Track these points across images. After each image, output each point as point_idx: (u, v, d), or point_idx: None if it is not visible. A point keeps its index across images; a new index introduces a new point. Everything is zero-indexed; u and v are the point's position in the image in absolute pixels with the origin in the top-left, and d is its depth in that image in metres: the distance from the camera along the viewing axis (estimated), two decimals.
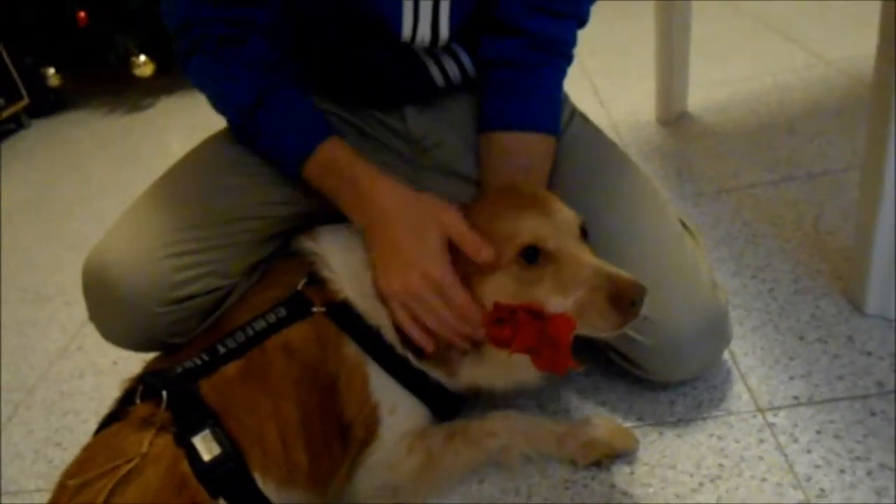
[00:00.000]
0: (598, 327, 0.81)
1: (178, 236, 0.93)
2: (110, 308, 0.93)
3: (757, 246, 1.30)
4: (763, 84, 1.98)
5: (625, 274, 0.80)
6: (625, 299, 0.78)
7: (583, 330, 0.81)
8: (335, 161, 0.92)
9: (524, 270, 0.83)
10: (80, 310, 1.63)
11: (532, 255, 0.82)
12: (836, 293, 1.14)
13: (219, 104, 0.97)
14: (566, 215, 0.87)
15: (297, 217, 1.01)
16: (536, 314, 0.80)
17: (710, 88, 2.01)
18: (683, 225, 1.01)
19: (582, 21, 1.00)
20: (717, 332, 0.97)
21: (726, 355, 1.06)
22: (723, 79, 2.08)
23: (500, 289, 0.84)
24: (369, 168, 0.92)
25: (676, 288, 0.94)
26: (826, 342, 1.06)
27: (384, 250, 0.88)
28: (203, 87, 0.97)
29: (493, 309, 0.81)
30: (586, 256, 0.84)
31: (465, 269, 0.86)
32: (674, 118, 1.89)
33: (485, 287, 0.85)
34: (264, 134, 0.95)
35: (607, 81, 2.18)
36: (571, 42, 0.99)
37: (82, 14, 3.09)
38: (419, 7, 0.91)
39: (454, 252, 0.86)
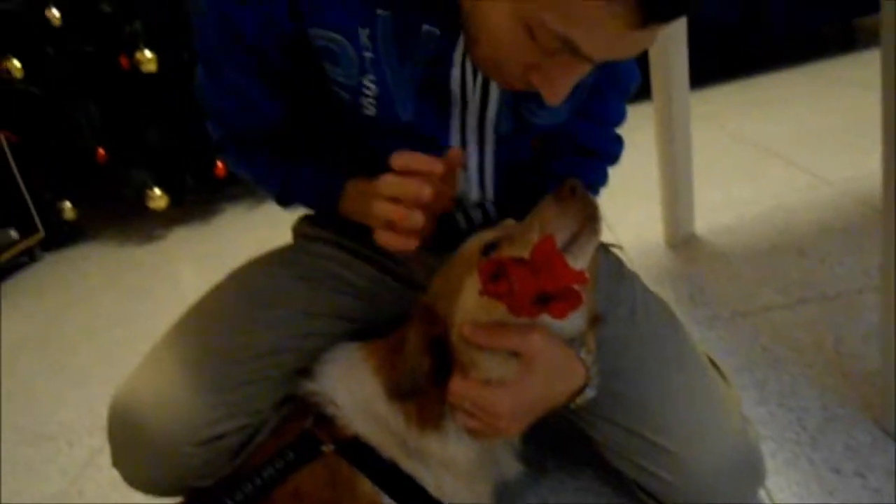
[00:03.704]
0: (567, 226, 0.80)
1: (211, 373, 0.92)
2: (139, 451, 0.90)
3: (779, 372, 1.26)
4: (768, 207, 2.00)
5: None
6: (563, 192, 0.81)
7: (561, 237, 0.79)
8: (359, 193, 0.96)
9: None
10: (82, 451, 1.59)
11: (492, 248, 0.83)
12: (868, 421, 1.10)
13: (256, 185, 1.07)
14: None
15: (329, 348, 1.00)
16: (520, 260, 0.74)
17: (716, 212, 2.03)
18: (709, 360, 0.98)
19: (614, 160, 1.07)
20: (748, 471, 0.92)
21: (761, 492, 1.00)
22: (728, 202, 2.11)
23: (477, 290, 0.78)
24: None
25: (702, 423, 0.90)
26: (864, 476, 1.00)
27: None
28: (238, 170, 1.07)
29: (482, 269, 0.74)
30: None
31: (446, 288, 0.85)
32: (682, 241, 1.90)
33: (465, 298, 0.82)
34: (300, 199, 1.05)
35: (613, 203, 2.21)
36: (602, 182, 1.08)
37: (101, 151, 3.21)
38: (468, 173, 0.96)
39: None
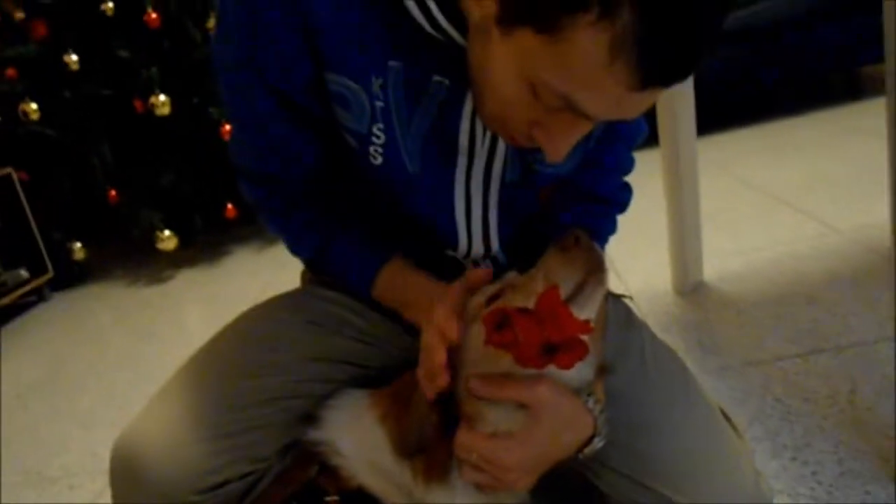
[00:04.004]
0: (571, 276, 0.78)
1: (214, 419, 0.90)
2: (140, 496, 0.88)
3: (793, 424, 1.24)
4: (777, 254, 2.00)
5: None
6: (567, 242, 0.80)
7: (566, 287, 0.77)
8: (394, 281, 0.97)
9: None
10: (83, 494, 1.57)
11: (496, 300, 0.81)
12: (884, 477, 1.07)
13: (291, 250, 1.06)
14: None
15: (335, 393, 0.99)
16: (524, 310, 0.73)
17: (725, 259, 2.03)
18: (720, 411, 0.97)
19: (622, 208, 1.06)
20: None
21: None
22: (737, 249, 2.10)
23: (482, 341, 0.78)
24: (423, 277, 0.96)
25: (714, 476, 0.88)
26: None
27: None
28: (275, 233, 1.06)
29: (487, 318, 0.74)
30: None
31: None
32: (690, 288, 1.89)
33: (470, 349, 0.81)
34: (333, 272, 1.03)
35: (621, 251, 2.21)
36: (611, 230, 1.07)
37: (113, 192, 3.24)
38: (471, 225, 0.95)
39: None
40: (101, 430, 1.89)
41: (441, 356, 0.78)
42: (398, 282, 0.97)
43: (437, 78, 0.84)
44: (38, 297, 3.40)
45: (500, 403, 0.80)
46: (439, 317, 0.80)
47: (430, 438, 0.83)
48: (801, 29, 3.46)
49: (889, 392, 1.25)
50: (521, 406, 0.79)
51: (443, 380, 0.78)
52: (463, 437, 0.80)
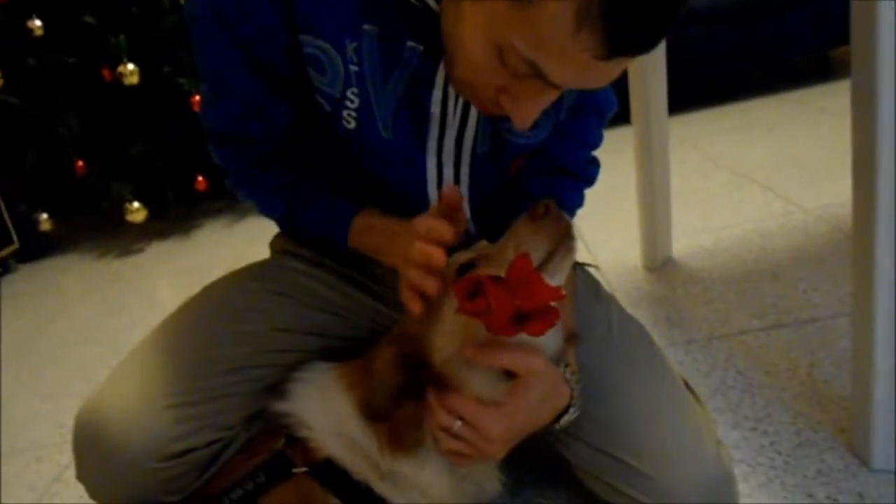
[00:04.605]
0: (542, 244, 0.80)
1: (180, 386, 0.90)
2: (103, 465, 0.88)
3: (754, 396, 1.28)
4: (745, 231, 2.03)
5: None
6: (537, 211, 0.81)
7: (537, 256, 0.79)
8: (368, 226, 0.97)
9: None
10: (51, 466, 1.56)
11: (468, 268, 0.82)
12: (840, 446, 1.11)
13: (262, 211, 1.06)
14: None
15: (302, 364, 0.99)
16: (496, 278, 0.74)
17: (694, 236, 2.06)
18: (684, 383, 0.99)
19: (589, 182, 1.09)
20: (721, 495, 0.93)
21: None
22: (705, 226, 2.13)
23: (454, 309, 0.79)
24: (395, 220, 0.95)
25: (677, 446, 0.90)
26: (836, 501, 1.01)
27: None
28: (245, 198, 1.06)
29: (459, 287, 0.75)
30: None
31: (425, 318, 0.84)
32: (659, 265, 1.92)
33: (443, 317, 0.82)
34: (307, 229, 1.04)
35: (591, 226, 2.23)
36: (579, 204, 1.09)
37: (80, 163, 3.18)
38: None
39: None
40: (68, 402, 1.87)
41: (437, 253, 0.78)
42: (373, 225, 0.96)
43: (410, 43, 0.84)
44: (4, 268, 3.33)
45: (484, 371, 0.81)
46: (425, 223, 0.80)
47: (395, 402, 0.83)
48: (773, 11, 3.49)
49: (846, 365, 1.28)
50: (506, 375, 0.80)
51: (433, 285, 0.79)
52: (451, 401, 0.81)
